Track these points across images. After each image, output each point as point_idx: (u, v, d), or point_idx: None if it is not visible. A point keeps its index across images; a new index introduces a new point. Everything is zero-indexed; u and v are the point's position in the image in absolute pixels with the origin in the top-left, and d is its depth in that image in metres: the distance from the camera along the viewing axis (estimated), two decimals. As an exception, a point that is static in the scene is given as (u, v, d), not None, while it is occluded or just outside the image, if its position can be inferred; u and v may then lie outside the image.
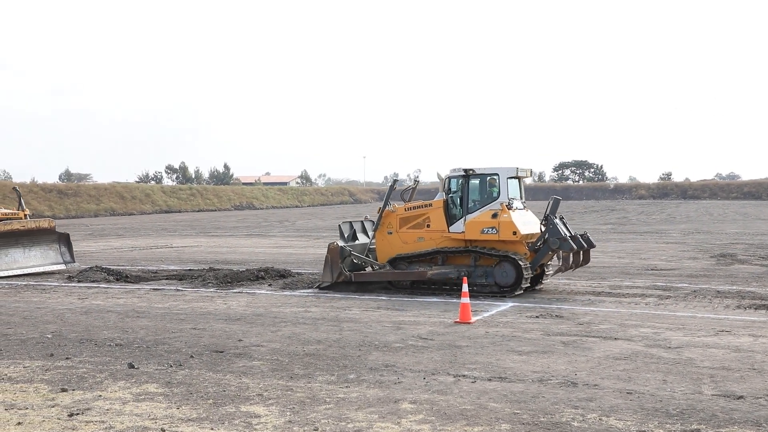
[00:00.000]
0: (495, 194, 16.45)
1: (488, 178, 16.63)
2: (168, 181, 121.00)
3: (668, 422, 7.15)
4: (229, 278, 19.00)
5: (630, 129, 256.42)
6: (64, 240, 23.01)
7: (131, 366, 9.60)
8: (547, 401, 7.88)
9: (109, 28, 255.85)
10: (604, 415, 7.37)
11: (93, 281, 19.40)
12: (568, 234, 16.35)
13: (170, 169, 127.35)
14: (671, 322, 12.95)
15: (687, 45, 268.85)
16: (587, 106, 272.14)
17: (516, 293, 15.84)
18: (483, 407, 7.66)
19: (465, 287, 13.52)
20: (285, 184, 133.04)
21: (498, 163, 16.73)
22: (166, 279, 20.02)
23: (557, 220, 16.38)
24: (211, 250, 31.10)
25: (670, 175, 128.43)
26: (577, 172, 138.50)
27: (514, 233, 15.95)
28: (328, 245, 17.24)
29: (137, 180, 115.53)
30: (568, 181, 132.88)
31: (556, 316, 13.58)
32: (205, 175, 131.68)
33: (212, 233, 43.98)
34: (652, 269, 21.51)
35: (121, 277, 19.98)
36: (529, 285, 16.23)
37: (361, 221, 18.78)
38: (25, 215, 22.98)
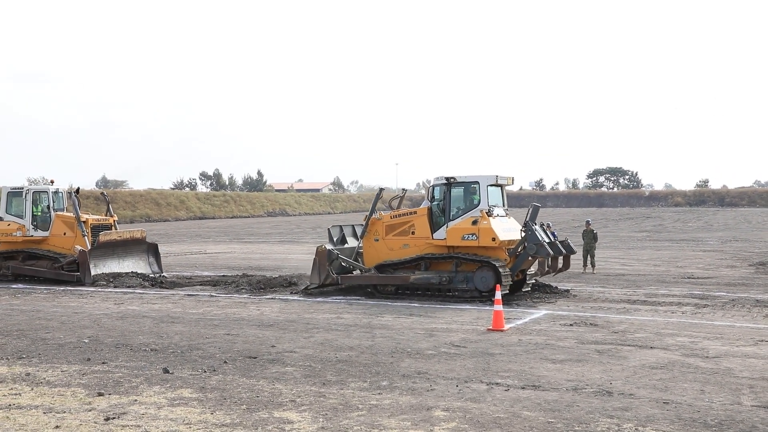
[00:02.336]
0: (476, 201, 16.78)
1: (469, 186, 16.97)
2: (202, 188, 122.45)
3: (706, 433, 7.02)
4: (262, 284, 19.13)
5: (666, 135, 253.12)
6: (153, 250, 23.00)
7: (166, 371, 9.70)
8: (581, 410, 7.78)
9: (146, 40, 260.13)
10: (640, 425, 7.26)
11: (129, 286, 19.67)
12: (546, 240, 16.57)
13: (204, 176, 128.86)
14: (709, 331, 12.72)
15: (725, 50, 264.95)
16: (622, 112, 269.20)
17: (493, 298, 15.48)
18: (516, 416, 7.59)
19: (498, 294, 13.44)
20: (318, 190, 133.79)
21: (479, 171, 17.10)
22: (200, 285, 20.23)
23: (536, 227, 16.61)
24: (244, 256, 31.35)
25: (707, 182, 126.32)
26: (612, 179, 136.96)
27: (493, 239, 16.23)
28: (317, 248, 17.65)
29: (172, 187, 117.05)
30: (603, 188, 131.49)
31: (591, 324, 13.43)
32: (239, 181, 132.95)
33: (245, 239, 44.34)
34: (688, 277, 21.17)
35: (156, 282, 20.22)
36: (507, 291, 16.24)
37: (352, 225, 19.27)
38: (114, 221, 22.93)
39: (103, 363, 10.29)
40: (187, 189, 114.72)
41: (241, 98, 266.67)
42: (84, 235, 20.81)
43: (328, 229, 18.21)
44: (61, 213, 21.70)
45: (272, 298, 17.38)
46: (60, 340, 12.15)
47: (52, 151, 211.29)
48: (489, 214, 16.50)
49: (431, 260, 16.93)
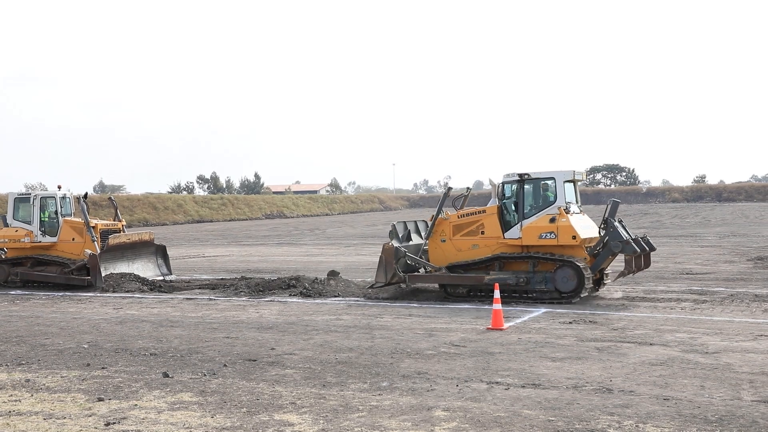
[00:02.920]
0: (551, 198, 16.04)
1: (544, 182, 16.23)
2: (200, 191, 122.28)
3: (707, 429, 7.02)
4: (260, 287, 19.11)
5: (662, 132, 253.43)
6: (161, 252, 22.95)
7: (166, 375, 9.69)
8: (582, 408, 7.79)
9: (141, 41, 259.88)
10: (641, 421, 7.27)
11: (127, 291, 19.65)
12: (629, 237, 15.91)
13: (202, 179, 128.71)
14: (708, 326, 12.73)
15: (721, 46, 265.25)
16: (619, 109, 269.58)
17: (576, 299, 15.51)
18: (517, 414, 7.60)
19: (497, 293, 13.43)
20: (315, 192, 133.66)
21: (553, 167, 16.44)
22: (199, 288, 20.21)
23: (617, 223, 15.87)
24: (242, 259, 31.34)
25: (704, 177, 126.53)
26: (609, 176, 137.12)
27: (574, 237, 15.57)
28: (383, 245, 17.01)
29: (169, 190, 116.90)
30: (600, 185, 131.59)
31: (590, 321, 13.43)
32: (236, 184, 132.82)
33: (243, 242, 44.32)
34: (687, 273, 21.19)
35: (154, 286, 20.20)
36: (587, 293, 15.79)
37: (415, 222, 18.52)
38: (122, 226, 22.78)
39: (103, 368, 10.27)
40: (185, 192, 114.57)
41: (238, 101, 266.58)
42: (94, 240, 20.70)
43: (393, 225, 17.55)
44: (69, 218, 21.60)
45: (271, 301, 17.37)
46: (59, 345, 12.14)
47: (49, 155, 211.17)
48: (566, 211, 15.81)
49: (505, 260, 16.25)
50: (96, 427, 7.42)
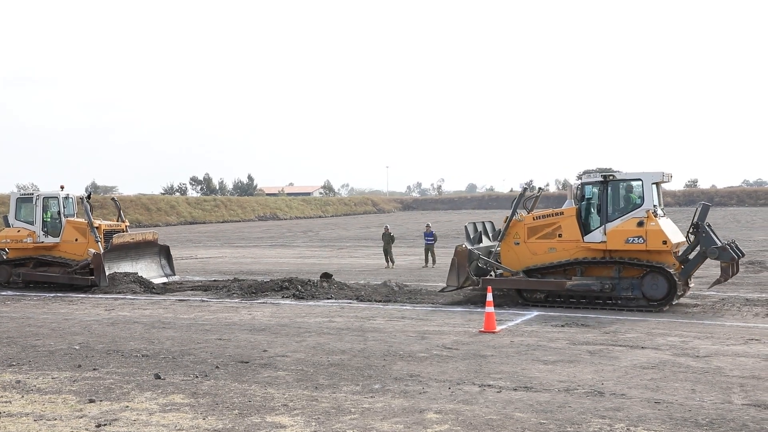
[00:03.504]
0: (638, 201, 15.34)
1: (630, 183, 15.55)
2: (192, 193, 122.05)
3: (698, 432, 7.05)
4: (253, 289, 19.09)
5: (654, 136, 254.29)
6: (164, 252, 22.78)
7: (157, 377, 9.66)
8: (573, 411, 7.80)
9: (134, 43, 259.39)
10: (632, 425, 7.29)
11: (119, 292, 19.58)
12: (723, 243, 15.20)
13: (195, 181, 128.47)
14: (699, 330, 12.78)
15: (714, 51, 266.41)
16: (611, 113, 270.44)
17: (666, 307, 14.91)
18: (509, 417, 7.61)
19: (489, 296, 13.44)
20: (308, 194, 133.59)
21: (641, 168, 15.98)
22: (192, 290, 20.17)
23: (708, 228, 15.19)
24: (235, 260, 31.29)
25: (696, 182, 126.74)
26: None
27: (664, 242, 14.83)
28: (456, 247, 16.49)
29: (162, 192, 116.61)
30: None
31: (582, 325, 13.46)
32: (229, 186, 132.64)
33: (236, 244, 44.24)
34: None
35: (147, 288, 20.13)
36: (678, 300, 15.38)
37: (483, 222, 18.01)
38: (126, 227, 22.59)
39: (94, 369, 10.24)
40: (178, 194, 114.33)
41: (232, 102, 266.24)
42: (97, 241, 20.53)
43: (465, 226, 17.15)
44: (71, 219, 21.43)
45: (264, 303, 17.35)
46: (50, 347, 12.09)
47: (41, 156, 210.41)
48: (654, 214, 15.09)
49: (587, 265, 15.53)
50: (87, 429, 7.39)
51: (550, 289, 15.70)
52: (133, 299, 18.47)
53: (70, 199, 21.84)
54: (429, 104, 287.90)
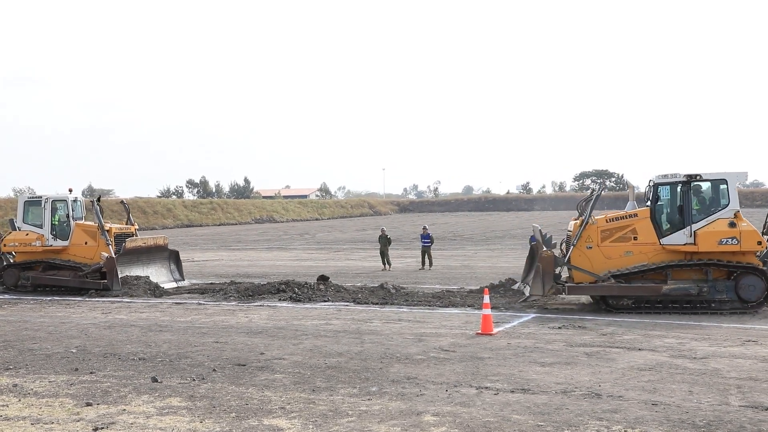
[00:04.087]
0: (724, 201, 15.05)
1: (715, 184, 15.22)
2: (189, 196, 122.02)
3: (695, 434, 7.05)
4: (250, 291, 19.07)
5: (651, 137, 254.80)
6: (174, 257, 22.64)
7: (155, 380, 9.65)
8: (571, 413, 7.81)
9: (131, 44, 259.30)
10: (630, 426, 7.30)
11: (116, 296, 19.55)
12: None
13: (191, 184, 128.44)
14: (696, 332, 12.80)
15: (709, 52, 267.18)
16: (607, 114, 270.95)
17: (762, 308, 14.79)
18: (506, 419, 7.61)
19: (486, 298, 13.46)
20: (305, 197, 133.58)
21: (725, 168, 15.53)
22: (188, 293, 20.15)
23: None
24: (232, 263, 31.27)
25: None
26: (598, 181, 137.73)
27: (759, 243, 14.63)
28: (540, 253, 15.82)
29: (159, 194, 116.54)
30: (589, 191, 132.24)
31: (579, 326, 13.48)
32: (226, 189, 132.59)
33: (233, 247, 44.21)
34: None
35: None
36: None
37: (539, 228, 17.47)
38: (135, 230, 22.44)
39: (91, 373, 10.22)
40: (174, 197, 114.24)
41: (228, 105, 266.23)
42: (108, 244, 20.37)
43: (539, 230, 16.68)
44: (80, 222, 21.33)
45: (261, 305, 17.33)
46: (47, 350, 12.07)
47: (37, 159, 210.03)
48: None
49: (672, 269, 15.12)
50: (84, 432, 7.38)
51: (644, 294, 15.19)
52: (130, 302, 18.44)
53: (79, 202, 21.72)
54: (425, 106, 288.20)
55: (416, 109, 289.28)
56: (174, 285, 21.60)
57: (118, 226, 21.91)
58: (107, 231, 20.64)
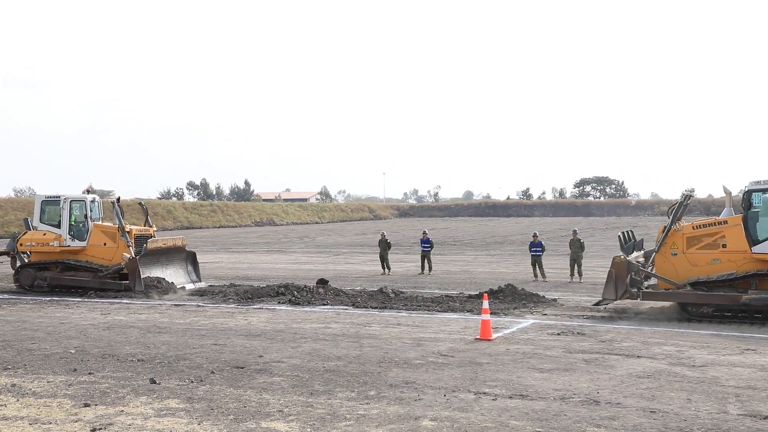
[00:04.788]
0: None
1: None
2: (189, 198, 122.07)
3: (693, 442, 7.05)
4: (249, 294, 19.08)
5: (651, 145, 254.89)
6: (191, 258, 22.50)
7: (153, 381, 9.65)
8: (569, 419, 7.81)
9: (131, 45, 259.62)
10: (628, 434, 7.29)
11: (115, 297, 19.53)
12: None
13: (192, 186, 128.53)
14: (695, 340, 12.80)
15: (709, 60, 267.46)
16: (608, 121, 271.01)
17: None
18: (504, 425, 7.61)
19: (485, 303, 13.45)
20: (305, 200, 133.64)
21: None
22: (188, 295, 20.13)
23: None
24: (231, 266, 31.26)
25: (693, 191, 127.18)
26: (599, 188, 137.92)
27: None
28: (613, 259, 15.71)
29: (159, 196, 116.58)
30: (589, 198, 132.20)
31: (578, 333, 13.48)
32: (226, 191, 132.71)
33: (233, 249, 44.20)
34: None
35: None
36: None
37: (630, 231, 17.43)
38: (154, 231, 22.23)
39: (90, 373, 10.22)
40: (174, 198, 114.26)
41: (229, 107, 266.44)
42: (129, 245, 20.19)
43: (618, 235, 16.60)
44: (99, 223, 21.13)
45: (260, 308, 17.33)
46: (46, 350, 12.06)
47: (37, 159, 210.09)
48: None
49: (760, 278, 14.65)
50: (82, 433, 7.38)
51: (722, 303, 14.76)
52: (129, 303, 18.43)
53: (96, 203, 21.52)
54: (426, 111, 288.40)
55: (417, 113, 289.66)
56: (191, 286, 21.40)
57: (138, 227, 21.70)
58: (128, 232, 20.44)
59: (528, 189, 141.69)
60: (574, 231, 24.99)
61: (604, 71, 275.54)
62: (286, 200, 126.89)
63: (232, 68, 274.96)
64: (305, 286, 19.65)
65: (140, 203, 25.78)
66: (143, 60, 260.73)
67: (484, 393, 9.00)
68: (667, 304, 15.85)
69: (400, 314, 16.14)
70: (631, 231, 17.63)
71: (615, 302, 16.06)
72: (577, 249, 23.48)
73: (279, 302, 18.14)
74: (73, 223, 21.08)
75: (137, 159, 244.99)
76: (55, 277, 20.99)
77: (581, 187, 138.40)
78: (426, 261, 26.71)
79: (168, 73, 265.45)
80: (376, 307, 17.07)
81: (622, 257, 15.64)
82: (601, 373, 10.09)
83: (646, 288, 15.74)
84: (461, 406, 8.37)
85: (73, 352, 11.91)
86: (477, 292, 18.73)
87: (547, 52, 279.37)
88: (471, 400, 8.65)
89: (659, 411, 8.15)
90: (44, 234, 21.04)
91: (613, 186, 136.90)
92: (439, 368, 10.46)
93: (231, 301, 18.58)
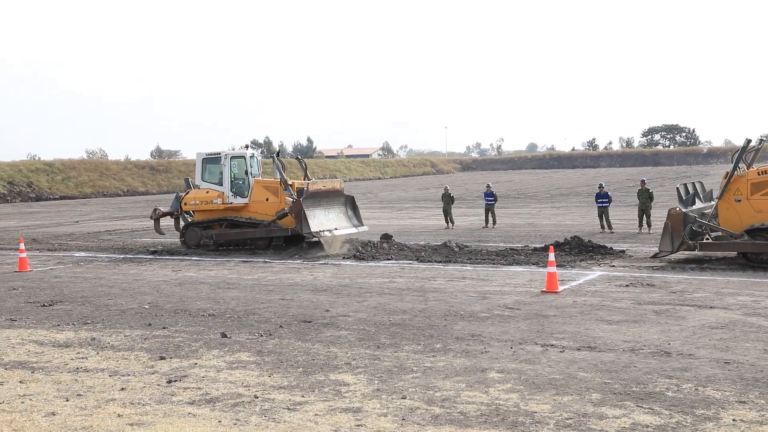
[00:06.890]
0: None
1: None
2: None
3: (769, 393, 6.86)
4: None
5: (724, 89, 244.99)
6: (350, 202, 21.62)
7: (224, 335, 9.91)
8: (639, 371, 7.68)
9: (193, 22, 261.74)
10: (701, 385, 7.14)
11: (185, 254, 20.04)
12: None
13: (255, 144, 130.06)
14: (771, 290, 12.37)
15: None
16: (677, 66, 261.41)
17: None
18: (572, 377, 7.54)
19: (551, 256, 13.28)
20: (367, 156, 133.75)
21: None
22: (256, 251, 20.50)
23: None
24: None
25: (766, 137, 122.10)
26: (668, 137, 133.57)
27: None
28: (669, 211, 15.59)
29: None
30: (659, 147, 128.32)
31: (647, 284, 13.20)
32: (289, 149, 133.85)
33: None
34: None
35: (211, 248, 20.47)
36: None
37: (693, 183, 17.25)
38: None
39: (164, 328, 10.56)
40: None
41: (291, 66, 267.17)
42: (293, 198, 19.80)
43: (677, 188, 16.51)
44: (260, 179, 21.03)
45: (325, 263, 17.54)
46: (122, 306, 12.51)
47: (104, 125, 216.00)
48: None
49: None
50: (159, 384, 7.65)
51: None
52: (199, 260, 18.91)
53: (256, 158, 21.46)
54: (488, 63, 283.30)
55: (479, 65, 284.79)
56: (354, 231, 20.99)
57: (299, 182, 21.20)
58: (290, 185, 20.24)
59: (594, 139, 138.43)
60: (643, 181, 24.36)
61: (675, 16, 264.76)
62: (348, 156, 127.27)
63: (292, 29, 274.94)
64: (369, 242, 19.75)
65: (297, 158, 25.60)
66: (206, 31, 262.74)
67: (552, 345, 8.93)
68: (732, 253, 15.41)
69: (465, 268, 16.10)
70: (694, 183, 17.16)
71: (674, 254, 15.68)
72: (645, 199, 22.90)
73: (344, 257, 18.31)
74: (233, 179, 20.86)
75: (201, 119, 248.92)
76: (221, 233, 20.79)
77: (649, 136, 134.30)
78: (490, 214, 26.50)
79: (229, 37, 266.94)
80: (440, 261, 17.07)
81: (678, 209, 15.37)
82: (672, 325, 9.88)
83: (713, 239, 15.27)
84: (528, 359, 8.33)
85: (147, 307, 12.31)
86: (542, 245, 18.51)
87: (608, 4, 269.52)
88: (538, 353, 8.60)
89: (733, 362, 7.94)
90: (207, 192, 20.93)
91: (684, 134, 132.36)
92: (505, 321, 10.41)
93: (297, 256, 18.86)
